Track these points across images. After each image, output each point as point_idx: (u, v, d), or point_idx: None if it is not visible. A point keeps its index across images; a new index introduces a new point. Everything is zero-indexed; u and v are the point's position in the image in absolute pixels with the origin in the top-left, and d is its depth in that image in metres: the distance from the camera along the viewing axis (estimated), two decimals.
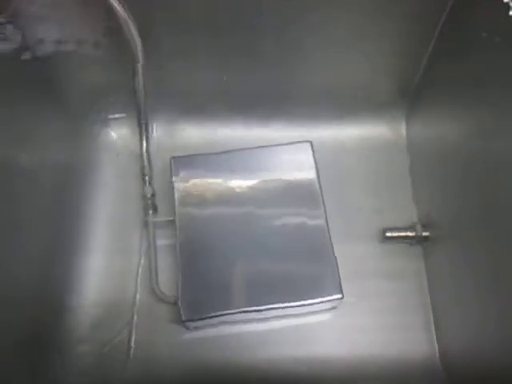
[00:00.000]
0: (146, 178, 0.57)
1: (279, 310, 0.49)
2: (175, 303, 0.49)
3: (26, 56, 0.48)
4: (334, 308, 0.52)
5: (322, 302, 0.49)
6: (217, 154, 0.55)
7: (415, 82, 0.57)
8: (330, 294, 0.48)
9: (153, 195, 0.56)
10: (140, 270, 0.55)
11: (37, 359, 0.47)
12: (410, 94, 0.59)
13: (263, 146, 0.56)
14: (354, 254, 0.53)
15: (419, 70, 0.56)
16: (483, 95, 0.41)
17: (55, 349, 0.50)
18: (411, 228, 0.54)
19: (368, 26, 0.51)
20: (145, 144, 0.57)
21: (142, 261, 0.55)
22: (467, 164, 0.44)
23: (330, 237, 0.51)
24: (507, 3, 0.37)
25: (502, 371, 0.38)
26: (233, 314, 0.48)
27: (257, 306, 0.48)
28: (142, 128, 0.57)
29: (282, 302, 0.48)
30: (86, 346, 0.51)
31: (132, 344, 0.51)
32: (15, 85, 0.47)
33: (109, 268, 0.55)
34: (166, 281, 0.53)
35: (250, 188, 0.54)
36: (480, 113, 0.42)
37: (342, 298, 0.48)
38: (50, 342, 0.50)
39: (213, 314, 0.48)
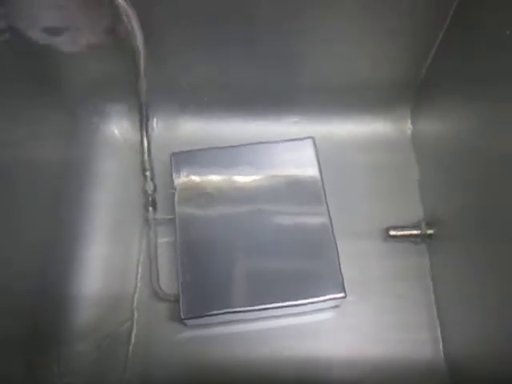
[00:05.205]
0: (147, 173, 0.56)
1: (281, 309, 0.48)
2: (175, 301, 0.49)
3: (23, 47, 0.47)
4: (336, 307, 0.51)
5: (324, 301, 0.48)
6: (218, 149, 0.55)
7: (420, 77, 0.56)
8: (333, 293, 0.48)
9: (154, 191, 0.56)
10: (140, 267, 0.54)
11: (35, 356, 0.47)
12: (415, 90, 0.58)
13: (265, 142, 0.55)
14: (357, 252, 0.53)
15: (424, 65, 0.55)
16: (489, 91, 0.41)
17: (54, 346, 0.50)
18: (416, 226, 0.53)
19: (372, 20, 0.50)
20: (145, 139, 0.56)
21: (142, 258, 0.54)
22: (472, 160, 0.44)
23: (334, 235, 0.50)
24: None
25: (508, 372, 0.38)
26: (233, 312, 0.48)
27: (257, 304, 0.48)
28: (143, 122, 0.56)
29: (284, 301, 0.48)
30: (86, 342, 0.51)
31: (132, 341, 0.51)
32: (12, 78, 0.46)
33: (109, 265, 0.54)
34: (167, 278, 0.52)
35: (252, 184, 0.53)
36: (486, 109, 0.41)
37: (344, 297, 0.48)
38: (49, 338, 0.49)
39: (212, 313, 0.47)
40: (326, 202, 0.52)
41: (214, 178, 0.53)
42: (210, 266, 0.49)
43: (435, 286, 0.52)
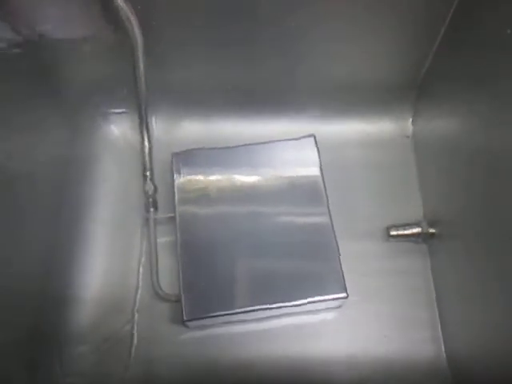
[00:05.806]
0: (147, 173, 0.56)
1: (282, 309, 0.48)
2: (177, 301, 0.49)
3: (24, 49, 0.47)
4: (338, 307, 0.51)
5: (326, 301, 0.48)
6: (218, 149, 0.54)
7: (421, 77, 0.56)
8: (335, 293, 0.48)
9: (154, 192, 0.56)
10: (141, 267, 0.54)
11: (37, 357, 0.47)
12: (416, 90, 0.58)
13: (266, 142, 0.55)
14: (358, 252, 0.53)
15: (425, 65, 0.55)
16: (490, 91, 0.41)
17: (56, 346, 0.50)
18: (417, 225, 0.53)
19: (373, 20, 0.50)
20: (146, 139, 0.56)
21: (143, 258, 0.54)
22: (473, 160, 0.44)
23: (335, 234, 0.50)
24: None
25: (510, 371, 0.38)
26: (235, 313, 0.47)
27: (259, 305, 0.48)
28: (143, 123, 0.56)
29: (286, 301, 0.48)
30: (87, 344, 0.51)
31: (133, 342, 0.51)
32: (13, 79, 0.46)
33: (110, 266, 0.54)
34: (168, 278, 0.52)
35: (253, 184, 0.53)
36: (486, 109, 0.41)
37: (346, 297, 0.48)
38: (51, 339, 0.49)
39: (214, 314, 0.47)
40: (328, 202, 0.52)
41: (215, 178, 0.53)
42: (210, 267, 0.49)
43: (436, 286, 0.52)
